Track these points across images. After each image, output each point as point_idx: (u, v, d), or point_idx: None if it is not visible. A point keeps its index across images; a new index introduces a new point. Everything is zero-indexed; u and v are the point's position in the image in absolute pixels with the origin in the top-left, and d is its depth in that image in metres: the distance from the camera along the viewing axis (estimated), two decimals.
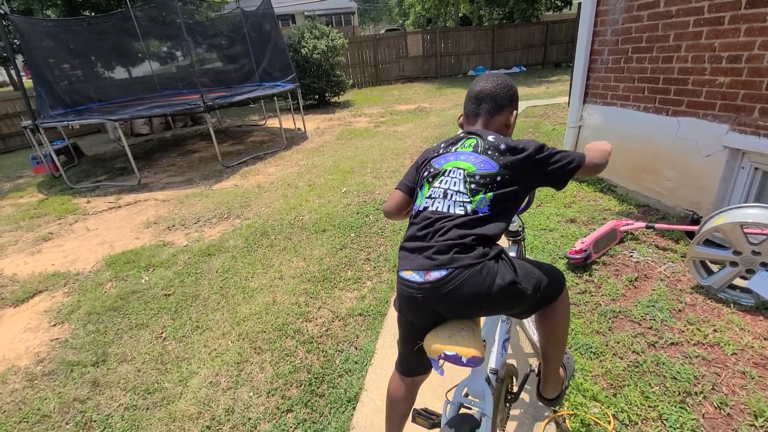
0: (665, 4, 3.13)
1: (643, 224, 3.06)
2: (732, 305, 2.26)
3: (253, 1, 8.32)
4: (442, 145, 1.33)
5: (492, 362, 1.43)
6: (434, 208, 1.18)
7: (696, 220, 3.14)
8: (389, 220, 3.81)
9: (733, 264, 2.29)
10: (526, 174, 1.20)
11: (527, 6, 18.68)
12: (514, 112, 1.38)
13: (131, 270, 3.40)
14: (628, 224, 3.09)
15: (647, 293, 2.44)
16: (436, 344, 1.10)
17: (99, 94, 8.42)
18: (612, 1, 3.61)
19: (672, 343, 2.03)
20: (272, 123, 9.68)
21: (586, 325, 2.24)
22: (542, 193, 4.01)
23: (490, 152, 1.20)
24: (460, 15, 22.05)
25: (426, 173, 1.28)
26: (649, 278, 2.61)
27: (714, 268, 2.44)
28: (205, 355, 2.32)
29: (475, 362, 1.07)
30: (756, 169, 2.80)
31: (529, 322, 2.18)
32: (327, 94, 12.32)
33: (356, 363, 2.14)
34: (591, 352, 2.04)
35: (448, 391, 1.41)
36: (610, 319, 2.26)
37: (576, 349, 2.06)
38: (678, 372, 1.83)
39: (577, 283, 2.61)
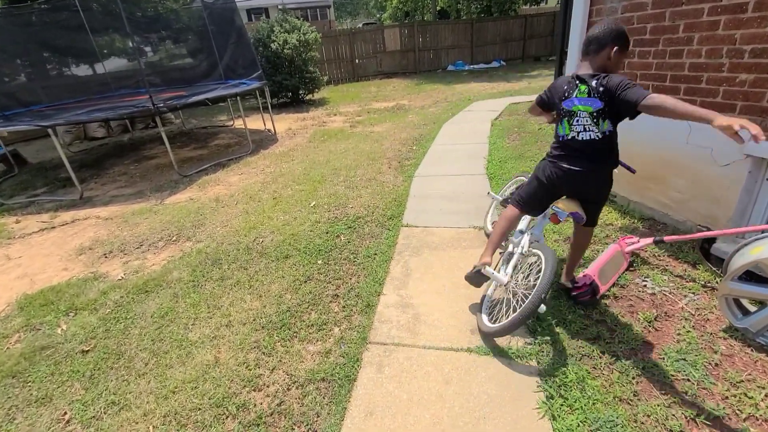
0: None
1: (651, 240, 2.62)
2: None
3: None
4: (565, 87, 1.99)
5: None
6: (580, 138, 1.93)
7: (710, 239, 2.75)
8: (362, 243, 3.29)
9: None
10: (614, 102, 1.81)
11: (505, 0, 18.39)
12: (615, 47, 1.85)
13: (48, 315, 2.78)
14: (632, 243, 2.66)
15: (673, 339, 2.02)
16: (571, 205, 2.08)
17: (43, 95, 7.55)
18: None
19: (717, 417, 1.60)
20: (242, 123, 9.00)
21: (606, 388, 1.79)
22: None
23: (595, 95, 1.86)
24: (438, 8, 21.56)
25: (562, 112, 2.01)
26: (670, 317, 2.18)
27: (750, 307, 2.03)
28: None
29: (579, 218, 2.13)
30: None
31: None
32: (301, 92, 11.66)
33: None
34: (616, 431, 1.58)
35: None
36: (633, 379, 1.81)
37: (596, 429, 1.60)
38: None
39: (586, 326, 2.17)
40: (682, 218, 2.99)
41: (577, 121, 1.93)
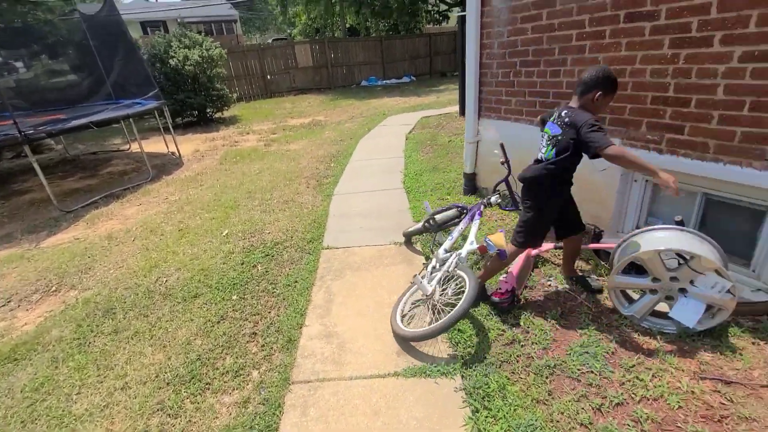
0: (547, 17, 3.04)
1: (552, 245, 2.90)
2: (658, 336, 2.11)
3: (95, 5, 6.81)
4: (554, 114, 2.23)
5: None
6: (538, 156, 2.28)
7: (598, 234, 3.10)
8: (282, 271, 3.11)
9: (653, 291, 2.15)
10: (573, 137, 2.03)
11: (409, 19, 19.41)
12: (599, 92, 2.03)
13: None
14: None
15: (577, 334, 2.20)
16: (501, 241, 2.51)
17: None
18: (495, 12, 3.47)
19: (618, 404, 1.75)
20: (139, 147, 8.12)
21: (524, 391, 1.87)
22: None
23: (559, 122, 2.13)
24: (348, 26, 22.00)
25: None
26: (573, 312, 2.38)
27: (634, 295, 2.30)
28: None
29: (504, 255, 2.43)
30: (647, 181, 2.81)
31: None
32: (208, 110, 10.94)
33: None
34: None
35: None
36: (547, 378, 1.93)
37: None
38: None
39: (503, 331, 2.27)
40: None
41: (543, 138, 2.25)
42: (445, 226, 3.16)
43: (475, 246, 2.55)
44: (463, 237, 2.90)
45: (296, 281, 2.97)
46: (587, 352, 2.04)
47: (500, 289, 2.42)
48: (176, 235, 3.95)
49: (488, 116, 3.92)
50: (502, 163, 3.00)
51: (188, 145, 8.28)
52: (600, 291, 2.51)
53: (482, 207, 2.97)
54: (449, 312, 2.14)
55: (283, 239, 3.66)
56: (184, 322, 2.62)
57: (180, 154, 7.20)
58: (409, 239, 3.41)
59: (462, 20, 3.95)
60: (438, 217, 3.18)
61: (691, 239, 2.07)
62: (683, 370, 1.88)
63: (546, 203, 2.26)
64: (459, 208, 3.20)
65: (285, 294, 2.83)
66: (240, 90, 14.98)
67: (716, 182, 2.37)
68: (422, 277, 2.47)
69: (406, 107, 10.69)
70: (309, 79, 16.25)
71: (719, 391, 1.76)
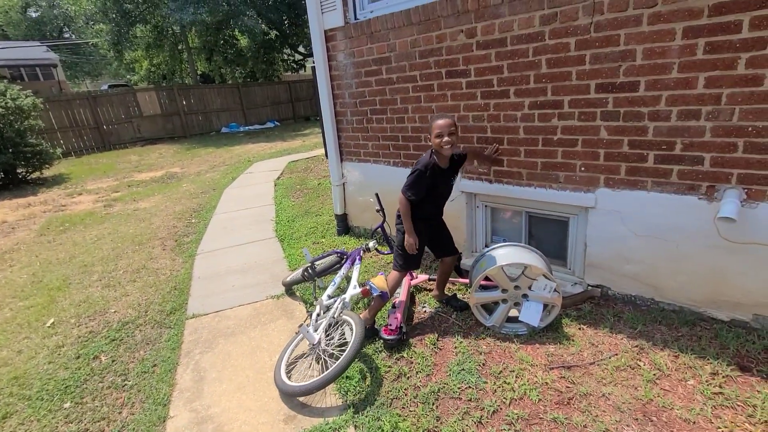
0: (387, 72, 3.43)
1: (426, 277, 3.15)
2: (515, 339, 2.43)
3: None
4: None
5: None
6: None
7: (458, 257, 3.48)
8: (134, 356, 2.62)
9: (504, 301, 2.49)
10: None
11: (267, 67, 19.61)
12: (430, 137, 2.36)
13: None
14: (413, 278, 3.11)
15: (453, 354, 2.37)
16: (382, 284, 2.53)
17: None
18: (342, 67, 3.76)
19: (494, 412, 1.93)
20: None
21: (415, 424, 1.91)
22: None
23: None
24: (199, 72, 21.00)
25: None
26: (447, 333, 2.58)
27: (493, 307, 2.62)
28: None
29: (386, 296, 2.54)
30: (486, 206, 3.31)
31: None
32: (20, 170, 8.90)
33: None
34: None
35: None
36: (433, 404, 2.01)
37: None
38: None
39: (390, 367, 2.31)
40: None
41: None
42: (325, 273, 3.14)
43: (359, 290, 2.61)
44: (346, 280, 2.93)
45: (155, 365, 2.52)
46: (463, 369, 2.21)
47: (390, 325, 2.48)
48: None
49: (350, 159, 4.13)
50: (378, 211, 3.14)
51: None
52: (466, 307, 2.79)
53: (362, 252, 3.07)
54: (338, 359, 2.11)
55: (134, 317, 3.10)
56: None
57: None
58: (289, 288, 3.27)
59: (314, 70, 4.17)
60: (318, 263, 3.15)
61: (522, 252, 2.49)
62: (537, 365, 2.19)
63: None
64: (338, 254, 3.23)
65: (140, 384, 2.36)
66: (67, 144, 12.74)
67: (532, 202, 2.93)
68: (308, 326, 2.38)
69: (272, 152, 10.55)
70: (159, 128, 14.77)
71: (564, 377, 2.10)
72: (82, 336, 2.90)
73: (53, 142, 11.61)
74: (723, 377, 1.97)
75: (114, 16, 15.49)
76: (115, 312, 3.20)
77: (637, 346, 2.26)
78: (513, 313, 2.54)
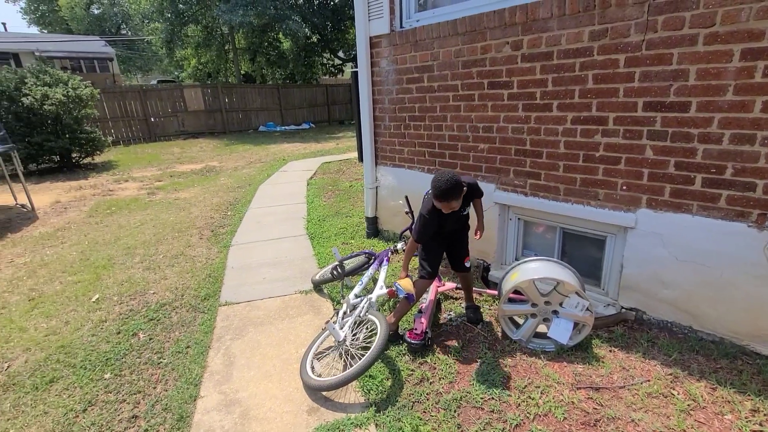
0: (428, 80, 3.48)
1: (454, 285, 3.15)
2: (541, 355, 2.39)
3: None
4: None
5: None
6: None
7: (486, 267, 3.46)
8: (170, 336, 2.76)
9: (533, 315, 2.46)
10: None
11: (306, 70, 20.16)
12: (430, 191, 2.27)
13: None
14: (441, 285, 3.11)
15: (477, 364, 2.36)
16: (409, 286, 2.47)
17: None
18: (384, 74, 3.85)
19: (516, 425, 1.91)
20: None
21: (436, 430, 1.92)
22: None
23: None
24: (243, 72, 21.84)
25: None
26: (472, 342, 2.57)
27: (520, 320, 2.59)
28: None
29: (411, 298, 2.47)
30: (519, 219, 3.28)
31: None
32: (75, 155, 9.54)
33: None
34: None
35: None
36: (455, 411, 2.01)
37: None
38: None
39: (413, 371, 2.33)
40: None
41: None
42: (354, 273, 3.21)
43: (385, 290, 2.64)
44: (373, 281, 2.98)
45: (188, 346, 2.64)
46: (487, 380, 2.20)
47: (415, 329, 2.50)
48: (25, 307, 3.22)
49: (384, 164, 4.20)
50: (407, 213, 3.20)
51: (46, 195, 7.03)
52: (478, 321, 2.76)
53: (390, 253, 3.11)
54: (362, 357, 2.15)
55: (171, 299, 3.26)
56: (33, 419, 2.09)
57: (33, 207, 6.03)
58: (317, 286, 3.35)
59: (355, 76, 4.30)
60: (347, 263, 3.21)
61: (555, 267, 2.45)
62: (563, 383, 2.15)
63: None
64: (367, 254, 3.29)
65: (174, 363, 2.49)
66: (117, 133, 13.53)
67: (568, 218, 2.88)
68: (334, 323, 2.45)
69: (306, 153, 10.81)
70: (201, 123, 15.45)
71: (592, 398, 2.05)
72: (123, 313, 3.08)
73: (105, 130, 12.39)
74: (764, 415, 1.87)
75: (169, 15, 16.41)
76: (154, 293, 3.38)
77: (671, 374, 2.18)
78: (541, 328, 2.50)
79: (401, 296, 2.47)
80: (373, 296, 2.64)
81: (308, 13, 17.32)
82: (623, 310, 2.72)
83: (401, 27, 3.59)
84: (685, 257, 2.38)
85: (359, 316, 2.48)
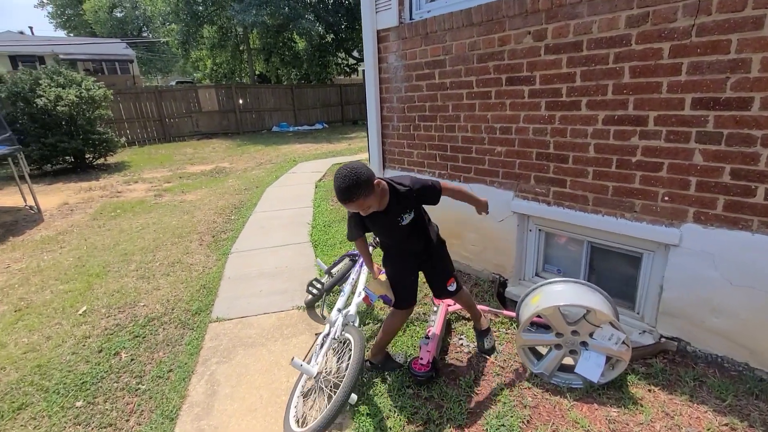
0: (440, 76, 3.16)
1: None
2: (567, 393, 2.05)
3: None
4: None
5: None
6: None
7: (503, 283, 3.12)
8: (153, 357, 2.53)
9: (558, 347, 2.12)
10: None
11: (320, 70, 20.03)
12: None
13: None
14: (450, 304, 2.79)
15: (491, 402, 2.04)
16: (380, 288, 2.10)
17: None
18: (392, 70, 3.55)
19: None
20: None
21: None
22: None
23: None
24: (257, 72, 21.87)
25: None
26: (486, 375, 2.25)
27: (543, 350, 2.26)
28: None
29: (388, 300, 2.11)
30: (540, 230, 2.93)
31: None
32: (88, 156, 9.57)
33: None
34: None
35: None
36: None
37: None
38: None
39: (417, 409, 2.02)
40: (480, 268, 3.35)
41: None
42: (344, 281, 2.85)
43: (360, 299, 2.32)
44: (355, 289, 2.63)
45: (171, 370, 2.41)
46: (503, 425, 1.88)
47: (421, 359, 2.19)
48: (10, 319, 3.06)
49: (393, 167, 3.90)
50: None
51: (56, 196, 7.00)
52: (490, 352, 2.41)
53: (371, 248, 2.74)
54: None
55: (161, 313, 3.04)
56: None
57: (39, 208, 5.98)
58: (310, 306, 3.04)
59: (365, 73, 4.08)
60: (335, 271, 2.91)
61: (584, 291, 2.11)
62: (594, 431, 1.81)
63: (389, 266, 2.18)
64: (351, 256, 2.95)
65: (153, 391, 2.25)
66: (132, 134, 13.62)
67: (597, 231, 2.52)
68: (306, 358, 2.13)
69: (317, 154, 10.60)
70: (215, 124, 15.47)
71: None
72: (109, 328, 2.88)
73: (120, 131, 12.48)
74: None
75: (184, 16, 16.49)
76: (143, 306, 3.17)
77: (727, 425, 1.82)
78: (567, 360, 2.16)
79: (374, 301, 2.15)
80: (352, 308, 2.32)
81: (322, 12, 17.15)
82: (663, 339, 2.35)
83: (411, 18, 3.29)
84: (742, 281, 2.01)
85: (335, 338, 2.16)
